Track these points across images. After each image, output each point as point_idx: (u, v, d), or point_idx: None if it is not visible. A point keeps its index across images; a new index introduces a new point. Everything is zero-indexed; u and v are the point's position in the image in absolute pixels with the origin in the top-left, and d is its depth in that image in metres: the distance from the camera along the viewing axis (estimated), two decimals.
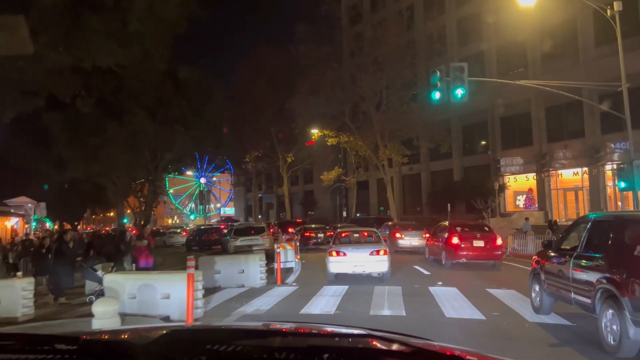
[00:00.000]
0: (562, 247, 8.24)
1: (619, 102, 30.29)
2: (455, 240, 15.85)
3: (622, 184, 14.60)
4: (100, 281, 9.31)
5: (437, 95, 14.76)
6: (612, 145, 27.25)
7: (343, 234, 14.72)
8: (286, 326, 2.19)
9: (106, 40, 13.19)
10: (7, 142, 20.58)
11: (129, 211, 31.27)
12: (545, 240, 11.52)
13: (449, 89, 14.59)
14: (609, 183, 29.39)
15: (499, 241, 16.31)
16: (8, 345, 1.55)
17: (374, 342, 1.66)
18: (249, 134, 45.02)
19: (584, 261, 7.10)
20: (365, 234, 14.77)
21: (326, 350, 1.46)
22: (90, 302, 7.74)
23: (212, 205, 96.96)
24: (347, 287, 11.74)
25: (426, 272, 14.77)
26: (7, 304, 9.23)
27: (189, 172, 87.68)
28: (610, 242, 6.75)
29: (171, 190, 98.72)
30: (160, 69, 17.77)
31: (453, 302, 9.59)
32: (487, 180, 33.62)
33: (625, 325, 5.84)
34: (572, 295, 7.31)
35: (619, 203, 29.56)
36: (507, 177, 34.59)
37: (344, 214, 44.57)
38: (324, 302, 10.14)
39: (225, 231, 27.64)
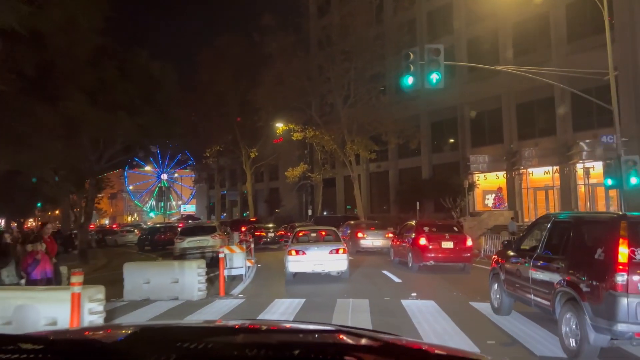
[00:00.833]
0: (522, 247, 8.07)
1: (596, 97, 29.87)
2: (422, 241, 14.82)
3: (609, 182, 13.42)
4: None
5: (409, 80, 13.21)
6: (592, 140, 26.58)
7: (302, 233, 14.45)
8: (256, 323, 2.24)
9: None
10: None
11: (76, 209, 28.70)
12: (504, 240, 11.36)
13: (423, 74, 13.04)
14: (580, 182, 28.74)
15: (469, 242, 15.38)
16: None
17: (343, 337, 1.68)
18: (210, 126, 42.72)
19: (543, 262, 6.93)
20: (324, 232, 14.55)
21: (297, 346, 1.46)
22: None
23: (173, 203, 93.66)
24: (303, 300, 10.03)
25: (396, 279, 13.14)
26: None
27: (148, 167, 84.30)
28: (570, 243, 6.56)
29: (131, 187, 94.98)
30: (94, 43, 15.71)
31: (433, 324, 7.91)
32: (457, 179, 32.61)
33: (586, 330, 5.73)
34: (532, 296, 7.13)
35: (588, 203, 29.03)
36: (476, 175, 33.66)
37: (310, 212, 42.82)
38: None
39: None
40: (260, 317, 8.49)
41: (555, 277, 6.49)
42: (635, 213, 6.83)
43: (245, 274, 12.95)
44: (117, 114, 17.67)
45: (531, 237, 8.35)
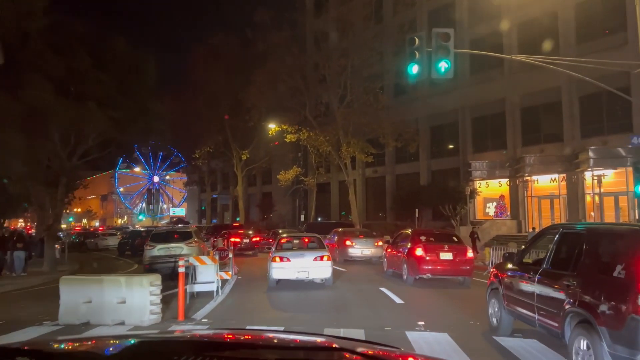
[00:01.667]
0: (525, 260, 7.48)
1: (600, 104, 28.42)
2: (419, 251, 13.65)
3: None
4: None
5: (414, 69, 11.55)
6: (629, 142, 25.15)
7: (285, 240, 14.27)
8: (256, 335, 2.15)
9: None
10: None
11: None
12: (506, 252, 10.75)
13: (431, 62, 11.38)
14: (588, 191, 27.17)
15: (470, 254, 14.09)
16: None
17: (347, 356, 1.65)
18: (200, 126, 40.93)
19: (551, 279, 6.31)
20: (308, 240, 14.37)
21: None
22: None
23: (165, 206, 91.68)
24: (281, 330, 8.12)
25: (397, 299, 10.93)
26: None
27: (137, 169, 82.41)
28: (583, 258, 5.84)
29: (121, 189, 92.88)
30: (43, 23, 14.04)
31: None
32: (457, 185, 31.02)
33: (602, 358, 5.09)
34: (536, 316, 6.51)
35: (592, 213, 27.47)
36: (477, 182, 32.04)
37: (302, 217, 41.05)
38: None
39: None
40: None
41: (564, 296, 5.83)
42: None
43: (217, 290, 10.97)
44: (87, 105, 15.90)
45: (535, 250, 7.89)
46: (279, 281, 12.66)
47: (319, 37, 32.29)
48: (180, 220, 72.27)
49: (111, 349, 1.56)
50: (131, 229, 52.93)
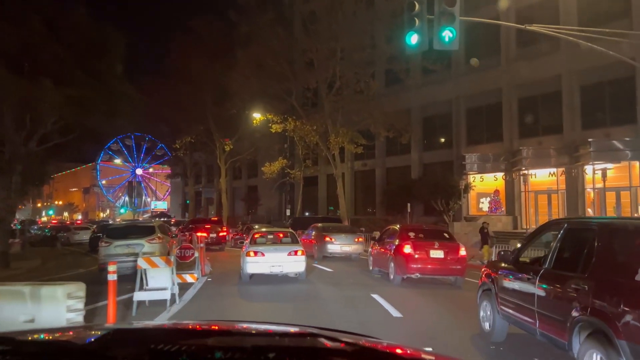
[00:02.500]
0: (522, 259, 6.79)
1: (602, 94, 27.05)
2: (407, 249, 12.64)
3: None
4: None
5: (413, 39, 9.89)
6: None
7: (259, 235, 14.17)
8: (231, 325, 2.12)
9: None
10: None
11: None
12: (501, 250, 9.92)
13: (433, 31, 9.71)
14: (589, 186, 25.80)
15: (463, 251, 13.05)
16: None
17: (320, 340, 1.64)
18: (181, 115, 38.90)
19: (555, 281, 5.57)
20: (282, 234, 14.33)
21: (272, 350, 1.43)
22: None
23: (149, 199, 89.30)
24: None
25: (394, 312, 8.88)
26: None
27: (118, 160, 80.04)
28: (595, 258, 5.03)
29: (104, 181, 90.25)
30: None
31: None
32: (450, 179, 29.49)
33: None
34: (537, 323, 5.79)
35: (589, 210, 26.15)
36: (472, 175, 30.56)
37: (288, 212, 39.29)
38: None
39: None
40: None
41: (572, 302, 5.08)
42: None
43: (172, 298, 9.03)
44: (41, 83, 13.99)
45: (534, 248, 7.31)
46: (252, 275, 12.60)
47: (306, 18, 30.38)
48: (162, 214, 70.20)
49: (90, 339, 1.57)
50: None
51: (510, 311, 6.44)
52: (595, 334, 4.69)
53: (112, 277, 6.72)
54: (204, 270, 13.31)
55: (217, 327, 1.97)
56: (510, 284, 6.58)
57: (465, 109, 32.51)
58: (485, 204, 31.60)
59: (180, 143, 39.72)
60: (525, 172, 27.56)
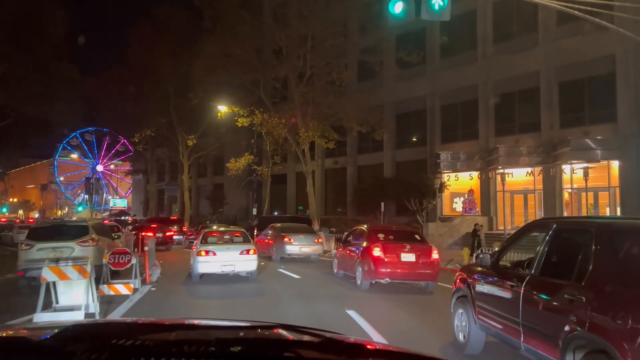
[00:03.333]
0: (502, 262, 6.14)
1: (581, 91, 26.34)
2: (376, 252, 11.72)
3: None
4: None
5: (397, 7, 8.38)
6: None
7: (210, 234, 13.98)
8: (194, 320, 2.08)
9: None
10: None
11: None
12: (479, 252, 9.42)
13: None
14: (567, 186, 25.00)
15: (435, 254, 12.13)
16: None
17: (285, 333, 1.63)
18: (142, 107, 36.49)
19: (544, 289, 4.89)
20: (233, 234, 14.13)
21: (237, 343, 1.42)
22: None
23: (109, 197, 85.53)
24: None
25: (379, 337, 6.88)
26: None
27: (74, 156, 76.30)
28: (593, 264, 4.36)
29: (61, 178, 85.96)
30: None
31: None
32: (424, 178, 28.31)
33: None
34: (522, 337, 5.04)
35: (564, 212, 25.35)
36: (446, 174, 29.48)
37: (255, 211, 37.46)
38: None
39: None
40: None
41: (566, 315, 4.38)
42: None
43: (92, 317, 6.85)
44: None
45: (516, 251, 7.02)
46: (202, 275, 12.52)
47: (275, 1, 28.59)
48: (122, 212, 67.09)
49: (46, 335, 1.48)
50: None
51: (490, 321, 5.81)
52: (594, 353, 4.06)
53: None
54: (149, 278, 11.42)
55: (180, 322, 1.93)
56: (491, 290, 5.95)
57: (440, 106, 31.44)
58: (458, 204, 30.59)
59: (140, 136, 37.23)
60: (502, 170, 26.57)
